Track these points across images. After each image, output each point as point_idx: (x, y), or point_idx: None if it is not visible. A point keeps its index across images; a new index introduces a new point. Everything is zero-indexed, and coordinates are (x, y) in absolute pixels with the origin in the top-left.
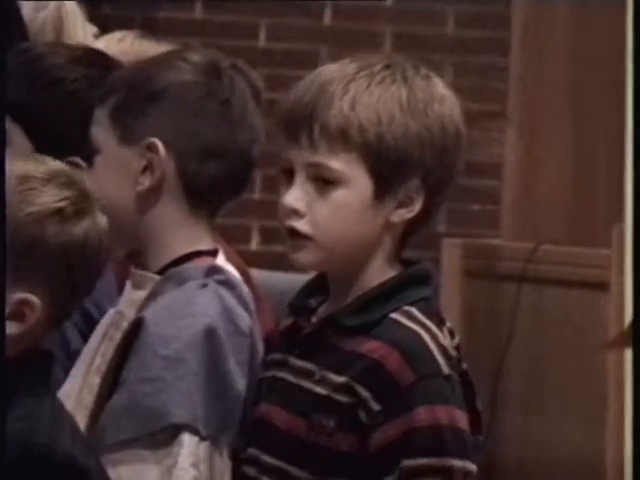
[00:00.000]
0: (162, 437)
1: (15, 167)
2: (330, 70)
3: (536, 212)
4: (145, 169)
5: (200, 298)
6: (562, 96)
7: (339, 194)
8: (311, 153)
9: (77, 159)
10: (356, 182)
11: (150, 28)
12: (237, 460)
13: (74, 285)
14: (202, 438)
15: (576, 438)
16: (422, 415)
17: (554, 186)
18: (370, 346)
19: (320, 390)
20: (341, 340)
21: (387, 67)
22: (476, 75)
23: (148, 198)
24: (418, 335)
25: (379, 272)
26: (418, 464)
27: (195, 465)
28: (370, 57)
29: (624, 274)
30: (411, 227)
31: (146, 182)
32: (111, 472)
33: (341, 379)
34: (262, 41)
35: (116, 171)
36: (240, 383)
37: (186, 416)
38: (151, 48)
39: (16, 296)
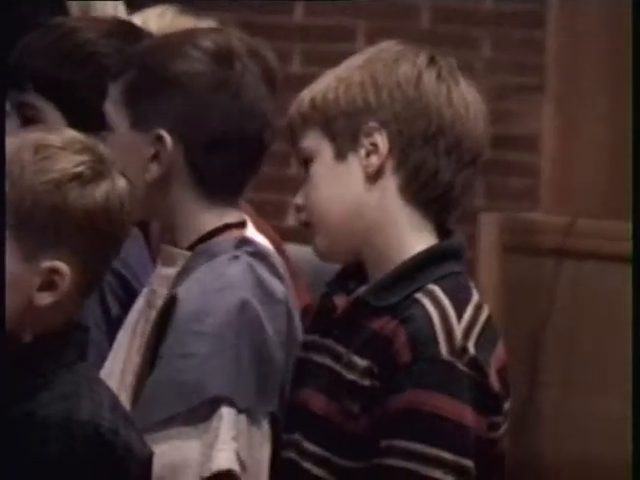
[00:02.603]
0: (201, 412)
1: (29, 138)
2: None
3: (574, 186)
4: (154, 157)
5: (232, 271)
6: (600, 69)
7: (312, 170)
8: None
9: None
10: (320, 152)
11: (187, 5)
12: (279, 442)
13: (100, 249)
14: (240, 411)
15: (615, 413)
16: (406, 397)
17: (592, 159)
18: (388, 325)
19: (347, 374)
20: (369, 321)
21: None
22: (514, 48)
23: (158, 185)
24: (429, 317)
25: (404, 247)
26: (391, 445)
27: (235, 438)
28: None
29: None
30: (423, 193)
31: (154, 171)
32: (154, 450)
33: (364, 363)
34: (299, 17)
35: (128, 153)
36: (278, 352)
37: (223, 389)
38: (190, 24)
39: (45, 265)
